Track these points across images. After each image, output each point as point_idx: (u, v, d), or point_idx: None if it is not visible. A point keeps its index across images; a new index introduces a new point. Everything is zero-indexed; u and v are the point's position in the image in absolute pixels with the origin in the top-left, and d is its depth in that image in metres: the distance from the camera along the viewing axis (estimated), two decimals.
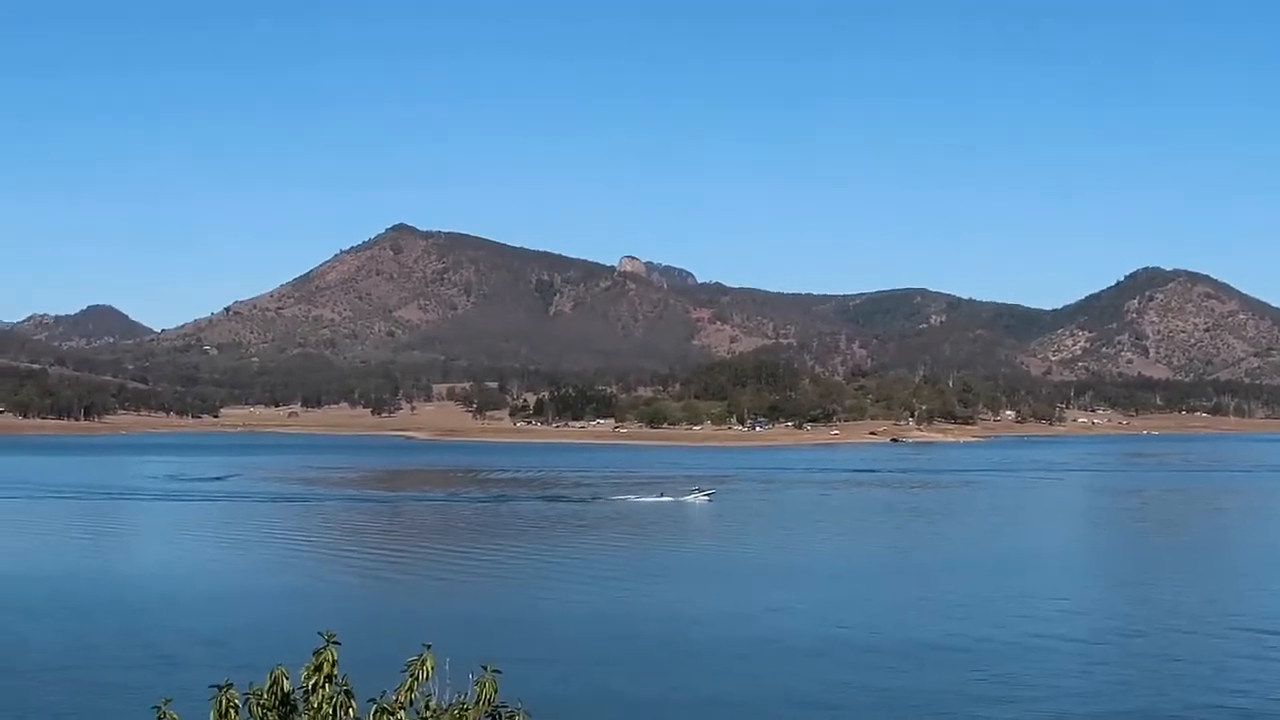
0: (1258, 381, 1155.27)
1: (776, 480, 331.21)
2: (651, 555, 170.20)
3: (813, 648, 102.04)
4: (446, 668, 17.66)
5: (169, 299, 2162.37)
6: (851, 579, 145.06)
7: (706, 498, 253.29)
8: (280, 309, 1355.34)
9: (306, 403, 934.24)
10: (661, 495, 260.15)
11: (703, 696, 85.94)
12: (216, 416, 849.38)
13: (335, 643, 17.27)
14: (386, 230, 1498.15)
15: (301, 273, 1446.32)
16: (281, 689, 17.18)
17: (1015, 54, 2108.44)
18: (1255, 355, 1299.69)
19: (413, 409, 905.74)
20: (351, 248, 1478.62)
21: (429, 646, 17.50)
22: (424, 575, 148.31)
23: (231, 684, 17.17)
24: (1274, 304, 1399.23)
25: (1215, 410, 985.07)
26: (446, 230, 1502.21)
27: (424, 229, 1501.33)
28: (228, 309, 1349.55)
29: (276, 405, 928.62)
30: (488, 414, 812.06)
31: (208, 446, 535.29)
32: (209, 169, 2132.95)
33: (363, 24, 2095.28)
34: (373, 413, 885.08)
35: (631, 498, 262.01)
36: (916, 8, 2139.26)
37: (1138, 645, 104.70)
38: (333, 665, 17.13)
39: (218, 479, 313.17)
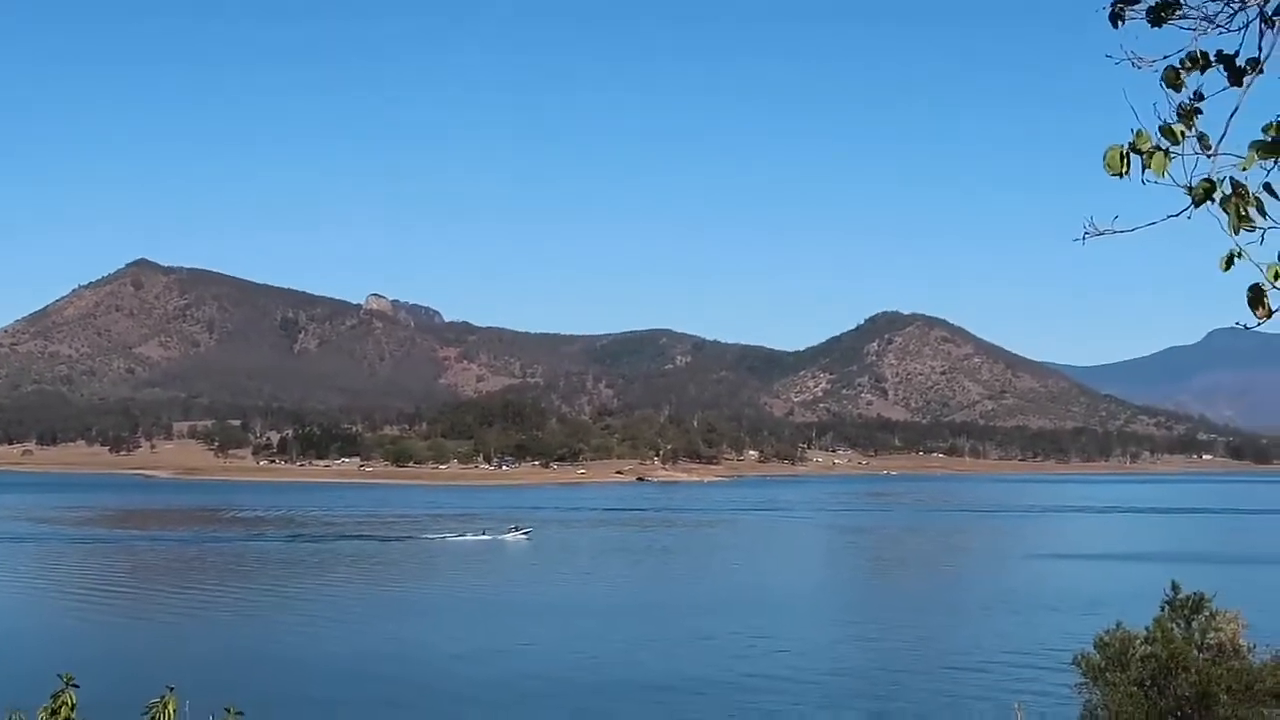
0: (991, 423, 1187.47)
1: (528, 519, 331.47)
2: (422, 593, 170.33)
3: (535, 689, 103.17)
4: (187, 710, 17.59)
5: None
6: (599, 617, 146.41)
7: (524, 536, 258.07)
8: (15, 345, 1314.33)
9: (41, 440, 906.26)
10: (482, 533, 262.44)
11: None
12: None
13: (74, 685, 17.14)
14: (127, 265, 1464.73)
15: (37, 308, 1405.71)
16: None
17: (757, 96, 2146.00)
18: (989, 398, 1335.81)
19: (153, 447, 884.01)
20: (90, 283, 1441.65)
21: (171, 689, 17.48)
22: (170, 616, 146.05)
23: None
24: (1007, 348, 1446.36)
25: (951, 451, 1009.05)
26: (189, 266, 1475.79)
27: (166, 264, 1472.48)
28: None
29: (10, 443, 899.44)
30: (230, 452, 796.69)
31: None
32: None
33: (97, 63, 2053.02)
34: (111, 451, 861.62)
35: (451, 536, 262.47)
36: (665, 49, 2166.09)
37: (847, 684, 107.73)
38: (71, 708, 17.01)
39: None
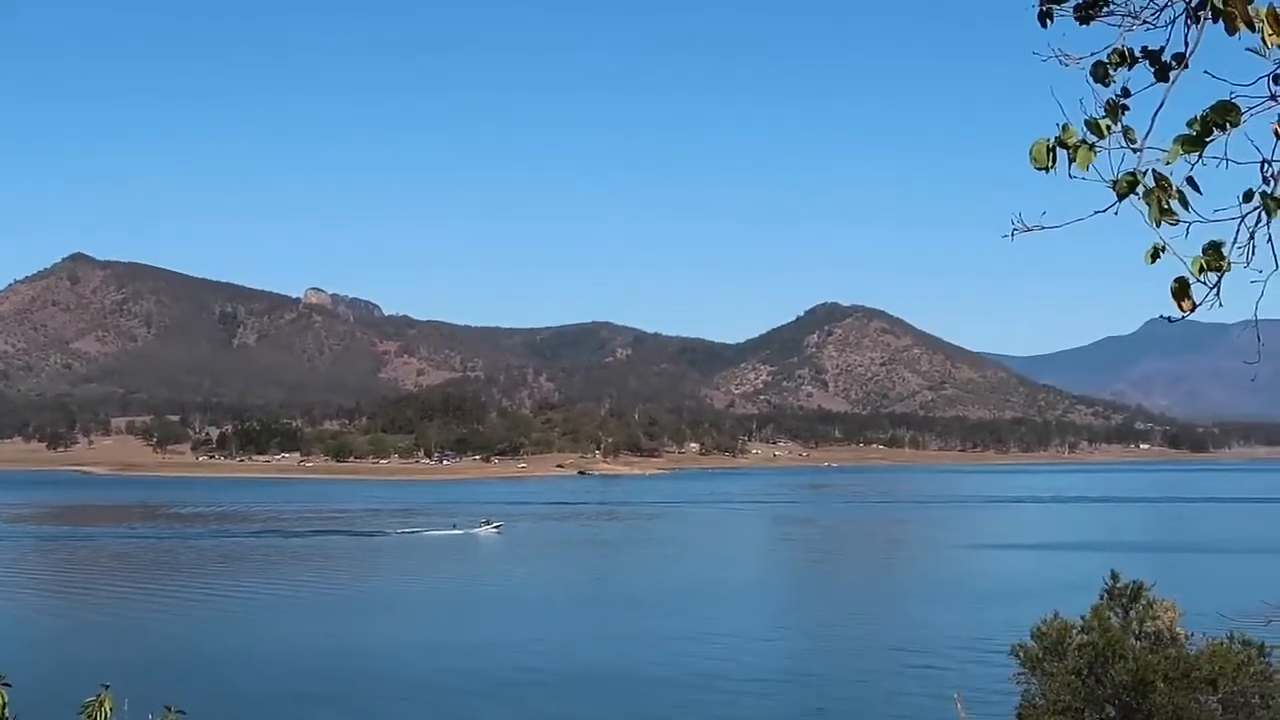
0: (931, 414, 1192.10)
1: (473, 514, 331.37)
2: (374, 587, 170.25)
3: (486, 682, 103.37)
4: (126, 709, 17.39)
5: None
6: (560, 611, 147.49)
7: (495, 530, 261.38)
8: None
9: None
10: (454, 527, 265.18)
11: None
12: None
13: (5, 684, 16.95)
14: (63, 259, 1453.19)
15: None
16: None
17: (686, 89, 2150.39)
18: (929, 389, 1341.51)
19: (90, 443, 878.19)
20: (26, 277, 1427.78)
21: (107, 686, 17.28)
22: (108, 614, 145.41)
23: None
24: (946, 339, 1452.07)
25: (891, 442, 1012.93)
26: (126, 260, 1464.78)
27: (102, 258, 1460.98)
28: None
29: None
30: (169, 448, 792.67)
31: None
32: None
33: (35, 53, 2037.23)
34: (49, 447, 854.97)
35: (425, 531, 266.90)
36: (598, 40, 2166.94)
37: (789, 676, 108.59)
38: (3, 707, 16.82)
39: None
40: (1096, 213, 8.23)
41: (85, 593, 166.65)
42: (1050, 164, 8.74)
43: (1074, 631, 42.94)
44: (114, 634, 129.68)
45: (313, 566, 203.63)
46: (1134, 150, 8.62)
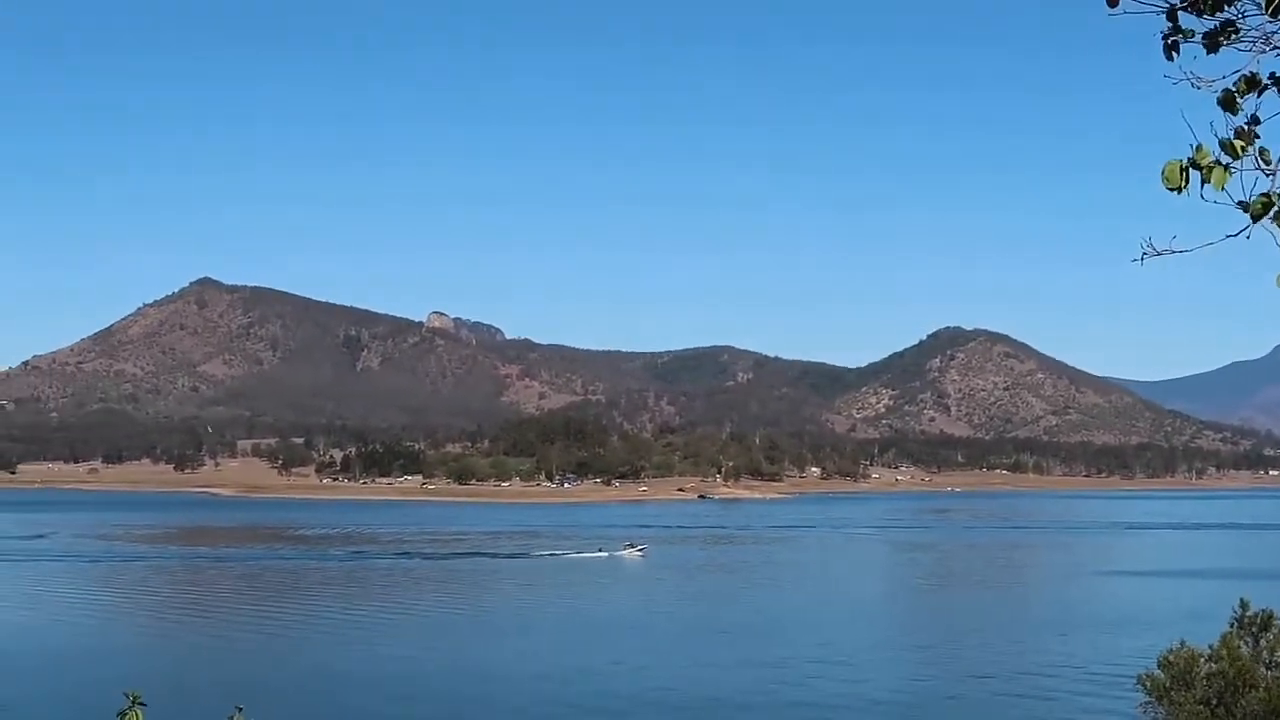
0: (1055, 439, 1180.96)
1: (598, 538, 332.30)
2: (520, 608, 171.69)
3: (608, 708, 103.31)
4: None
5: None
6: (699, 635, 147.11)
7: (639, 553, 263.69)
8: (80, 363, 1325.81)
9: (107, 459, 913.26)
10: (599, 550, 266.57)
11: None
12: (13, 473, 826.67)
13: (141, 704, 17.13)
14: (191, 284, 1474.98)
15: (103, 327, 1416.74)
16: None
17: (815, 116, 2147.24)
18: (1053, 413, 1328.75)
19: (217, 465, 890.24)
20: (155, 301, 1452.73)
21: (240, 709, 17.47)
22: (240, 634, 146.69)
23: None
24: (1070, 363, 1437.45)
25: (1015, 467, 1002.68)
26: (252, 284, 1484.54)
27: (229, 283, 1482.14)
28: (25, 363, 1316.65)
29: (76, 461, 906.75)
30: (294, 470, 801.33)
31: (3, 504, 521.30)
32: (4, 219, 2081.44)
33: (165, 81, 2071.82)
34: (176, 469, 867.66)
35: (571, 554, 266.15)
36: (701, 71, 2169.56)
37: (910, 705, 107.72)
38: None
39: (40, 537, 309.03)
40: (1229, 236, 8.78)
41: (215, 613, 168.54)
42: (1183, 185, 8.51)
43: (1202, 660, 42.44)
44: (246, 654, 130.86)
45: (454, 588, 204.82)
46: (1267, 174, 8.40)
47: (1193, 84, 8.78)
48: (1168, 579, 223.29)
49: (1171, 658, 42.98)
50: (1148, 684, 43.12)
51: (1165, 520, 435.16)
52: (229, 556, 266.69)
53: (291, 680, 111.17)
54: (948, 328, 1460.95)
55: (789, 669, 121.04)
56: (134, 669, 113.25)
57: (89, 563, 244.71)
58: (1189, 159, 8.56)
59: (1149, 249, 9.02)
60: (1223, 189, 8.46)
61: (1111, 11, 7.59)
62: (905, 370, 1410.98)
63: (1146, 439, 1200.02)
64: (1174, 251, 9.16)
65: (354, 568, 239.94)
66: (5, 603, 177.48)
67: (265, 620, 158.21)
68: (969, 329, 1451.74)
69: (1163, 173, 8.58)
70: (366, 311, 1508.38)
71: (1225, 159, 8.47)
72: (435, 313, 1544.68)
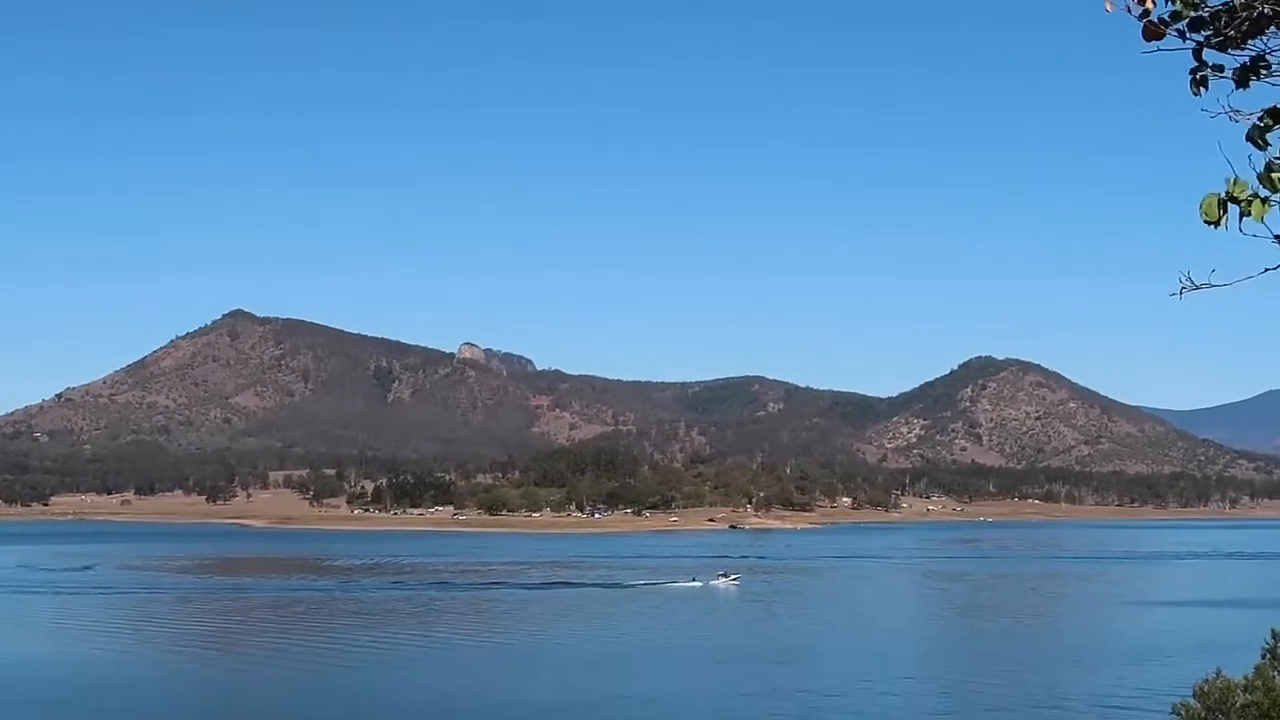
0: (1087, 469, 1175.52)
1: (636, 567, 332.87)
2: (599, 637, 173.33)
3: None
4: None
5: None
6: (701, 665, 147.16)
7: (733, 582, 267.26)
8: (113, 395, 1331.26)
9: (139, 490, 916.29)
10: (693, 580, 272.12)
11: None
12: (47, 505, 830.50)
13: None
14: (223, 316, 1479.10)
15: (136, 359, 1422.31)
16: None
17: (846, 141, 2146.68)
18: (1085, 443, 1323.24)
19: (249, 497, 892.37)
20: (187, 334, 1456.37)
21: None
22: (276, 666, 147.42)
23: None
24: (1102, 393, 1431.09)
25: (1047, 497, 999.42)
26: (284, 316, 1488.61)
27: (261, 315, 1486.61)
28: (59, 395, 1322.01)
29: (109, 493, 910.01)
30: (325, 502, 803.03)
31: (37, 535, 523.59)
32: (39, 251, 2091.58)
33: (199, 111, 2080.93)
34: (208, 500, 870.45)
35: (670, 584, 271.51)
36: (760, 99, 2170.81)
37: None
38: None
39: (87, 568, 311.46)
40: (1267, 270, 8.75)
41: (251, 644, 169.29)
42: (1220, 218, 8.42)
43: (1238, 691, 42.69)
44: (286, 686, 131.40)
45: (514, 619, 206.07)
46: None
47: (1230, 117, 8.67)
48: (1202, 609, 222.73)
49: (1207, 688, 43.24)
50: (1183, 713, 43.36)
51: (1197, 549, 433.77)
52: (262, 587, 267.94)
53: (332, 713, 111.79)
54: (979, 357, 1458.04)
55: (808, 698, 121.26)
56: (175, 702, 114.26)
57: (126, 594, 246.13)
58: (1226, 192, 8.44)
59: (1187, 283, 8.88)
60: (1262, 221, 8.38)
61: (1145, 49, 8.68)
62: (936, 400, 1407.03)
63: (1180, 468, 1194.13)
64: (1213, 285, 9.01)
65: (460, 598, 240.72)
66: (90, 631, 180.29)
67: (302, 651, 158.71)
68: (1000, 358, 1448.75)
69: (1200, 206, 8.48)
70: (398, 343, 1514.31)
71: (1264, 192, 8.38)
72: (466, 344, 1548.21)
